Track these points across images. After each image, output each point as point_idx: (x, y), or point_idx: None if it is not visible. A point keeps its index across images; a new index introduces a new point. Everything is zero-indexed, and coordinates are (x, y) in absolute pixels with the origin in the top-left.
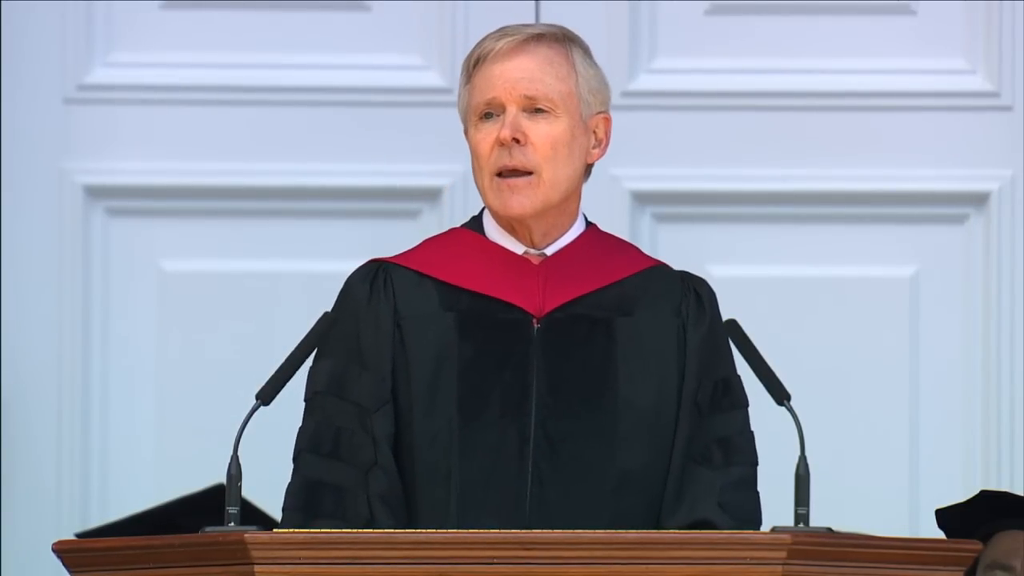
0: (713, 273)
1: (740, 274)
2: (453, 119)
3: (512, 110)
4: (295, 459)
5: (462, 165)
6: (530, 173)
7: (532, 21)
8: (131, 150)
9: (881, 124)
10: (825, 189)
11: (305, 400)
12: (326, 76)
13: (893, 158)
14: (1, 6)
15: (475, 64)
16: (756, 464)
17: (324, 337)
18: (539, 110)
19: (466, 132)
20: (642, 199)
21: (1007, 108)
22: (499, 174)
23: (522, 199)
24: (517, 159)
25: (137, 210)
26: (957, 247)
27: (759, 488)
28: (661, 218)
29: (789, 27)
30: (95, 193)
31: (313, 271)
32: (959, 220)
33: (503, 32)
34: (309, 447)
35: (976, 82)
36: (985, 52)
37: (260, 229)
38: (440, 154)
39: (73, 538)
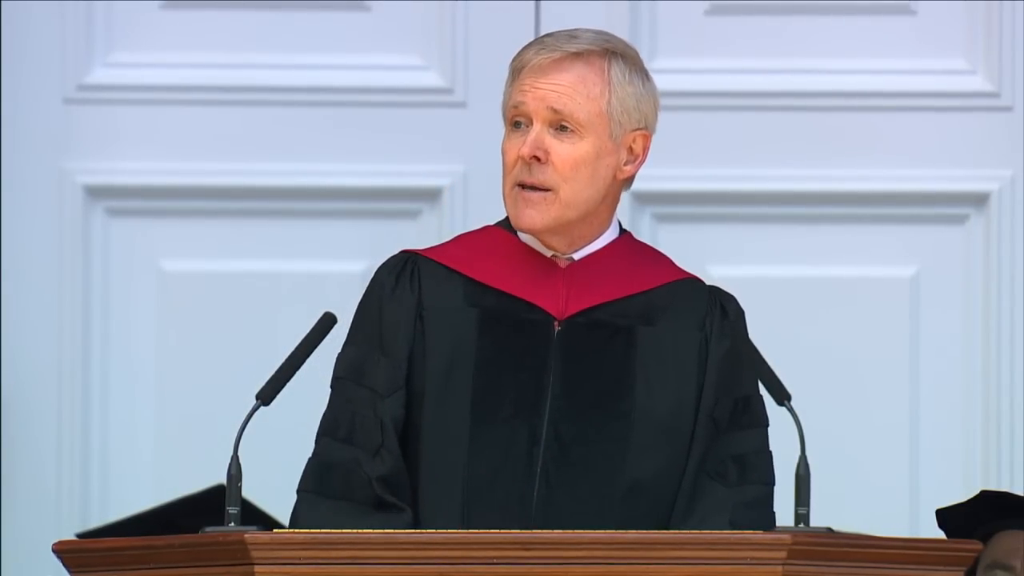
0: (713, 273)
1: (740, 274)
2: (453, 119)
3: (537, 126)
4: (315, 442)
5: (462, 165)
6: (548, 190)
7: (532, 20)
8: (131, 150)
9: (881, 124)
10: (825, 189)
11: (331, 385)
12: (326, 76)
13: (893, 158)
14: (1, 6)
15: (517, 69)
16: (772, 484)
17: (324, 336)
18: (564, 128)
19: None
20: (642, 199)
21: (1007, 108)
22: (519, 185)
23: (534, 214)
24: (536, 176)
25: (137, 210)
26: (957, 247)
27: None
28: (661, 218)
29: (789, 27)
30: (95, 193)
31: (313, 271)
32: (959, 220)
33: (543, 44)
34: (326, 431)
35: (976, 82)
36: (985, 52)
37: (260, 229)
38: (440, 154)
39: (73, 538)
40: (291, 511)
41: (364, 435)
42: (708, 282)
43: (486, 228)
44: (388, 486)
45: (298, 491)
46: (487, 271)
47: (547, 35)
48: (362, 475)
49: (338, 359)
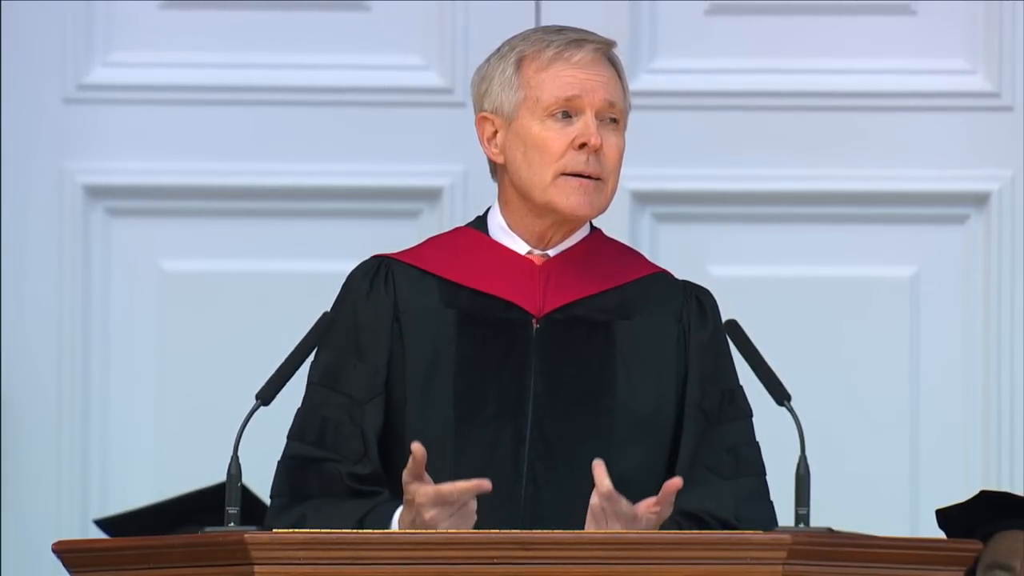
0: (713, 273)
1: (740, 274)
2: (453, 119)
3: (590, 117)
4: (284, 447)
5: (462, 165)
6: (600, 179)
7: (532, 20)
8: (131, 150)
9: (881, 124)
10: (825, 189)
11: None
12: (326, 76)
13: (893, 158)
14: (1, 6)
15: (549, 60)
16: (764, 474)
17: (324, 336)
18: (612, 120)
19: (507, 120)
20: (642, 199)
21: (1007, 108)
22: (568, 173)
23: (591, 200)
24: (593, 166)
25: (137, 210)
26: (957, 247)
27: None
28: (661, 218)
29: (789, 27)
30: (95, 193)
31: (313, 271)
32: (959, 220)
33: (574, 37)
34: (294, 435)
35: (976, 82)
36: (985, 52)
37: (260, 229)
38: (440, 154)
39: (72, 538)
40: (266, 517)
41: (341, 442)
42: (708, 282)
43: (457, 229)
44: (364, 484)
45: (271, 496)
46: (462, 271)
47: (558, 28)
48: (337, 472)
49: (311, 365)
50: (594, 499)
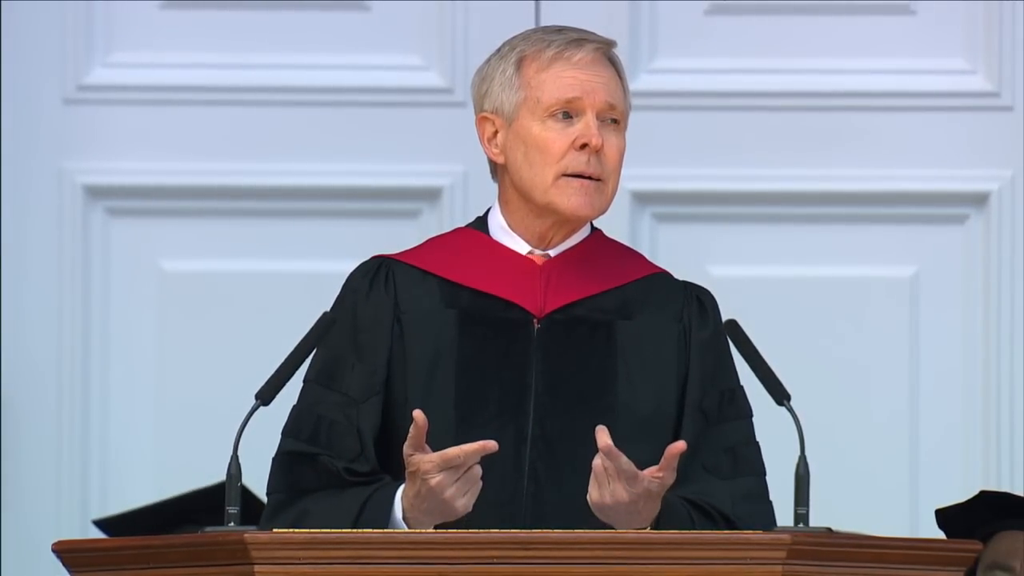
0: (713, 273)
1: (740, 274)
2: (453, 119)
3: (590, 118)
4: (278, 445)
5: (462, 165)
6: (600, 180)
7: (532, 20)
8: (131, 150)
9: (881, 124)
10: (825, 189)
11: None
12: (326, 76)
13: (893, 158)
14: (1, 6)
15: (550, 60)
16: (764, 474)
17: (324, 336)
18: (613, 120)
19: (508, 121)
20: (642, 199)
21: (1007, 108)
22: (569, 174)
23: (592, 200)
24: (594, 167)
25: (137, 210)
26: (957, 247)
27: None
28: (661, 218)
29: (789, 27)
30: (95, 193)
31: (313, 271)
32: (959, 220)
33: (574, 37)
34: (288, 431)
35: (976, 82)
36: (985, 52)
37: (260, 229)
38: (440, 154)
39: (72, 538)
40: (263, 515)
41: (336, 439)
42: (708, 282)
43: (457, 230)
44: (361, 478)
45: (268, 493)
46: (463, 271)
47: (558, 28)
48: (333, 466)
49: (310, 363)
50: (596, 460)
